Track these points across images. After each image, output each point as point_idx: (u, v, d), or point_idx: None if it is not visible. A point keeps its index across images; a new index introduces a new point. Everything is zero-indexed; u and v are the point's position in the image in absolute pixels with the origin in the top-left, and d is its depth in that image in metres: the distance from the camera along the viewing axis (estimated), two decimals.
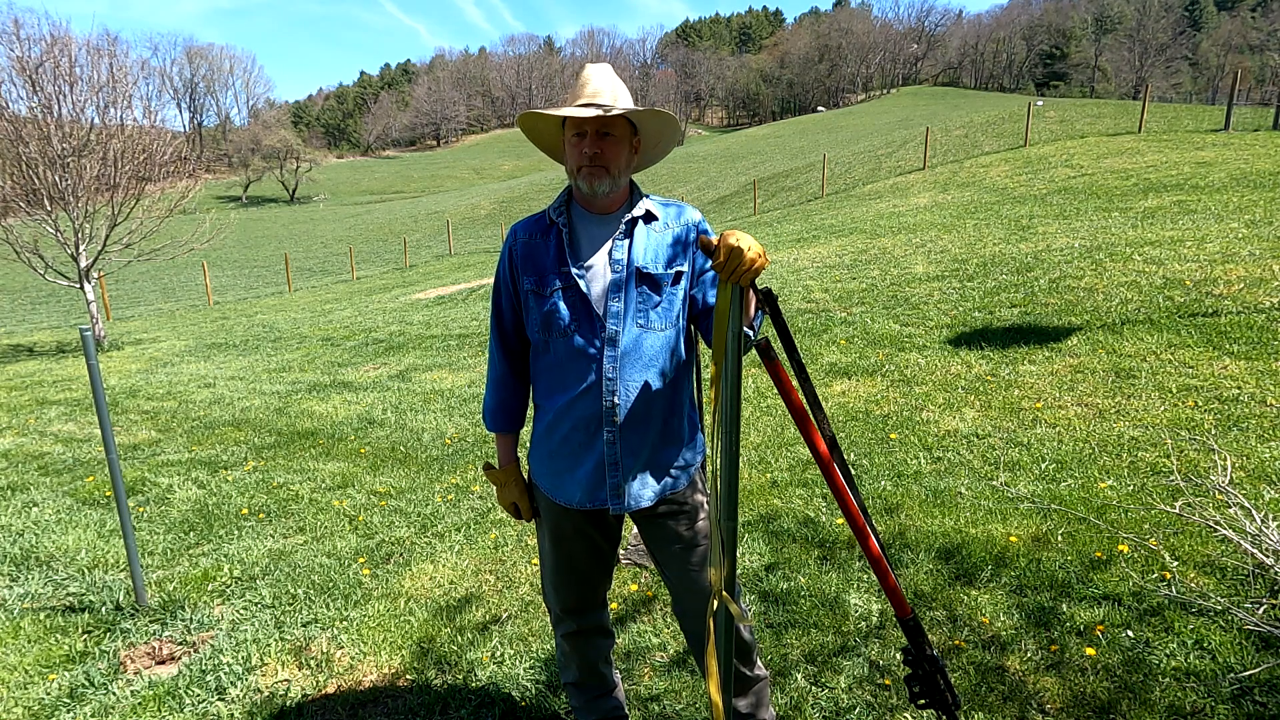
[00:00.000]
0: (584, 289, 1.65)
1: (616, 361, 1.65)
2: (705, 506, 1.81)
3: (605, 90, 1.63)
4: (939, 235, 10.09)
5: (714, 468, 1.44)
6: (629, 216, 1.68)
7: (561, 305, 1.66)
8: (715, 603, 1.51)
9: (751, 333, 1.54)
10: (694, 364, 1.82)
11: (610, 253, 1.67)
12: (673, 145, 1.81)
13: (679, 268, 1.69)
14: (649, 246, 1.68)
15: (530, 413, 1.83)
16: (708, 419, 1.95)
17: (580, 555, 1.85)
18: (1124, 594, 2.49)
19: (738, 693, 1.91)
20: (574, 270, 1.65)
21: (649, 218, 1.70)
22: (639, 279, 1.66)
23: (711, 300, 1.70)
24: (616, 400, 1.65)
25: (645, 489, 1.73)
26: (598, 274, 1.66)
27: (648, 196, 1.75)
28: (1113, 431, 3.74)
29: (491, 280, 15.10)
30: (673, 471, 1.76)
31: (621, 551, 3.17)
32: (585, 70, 1.67)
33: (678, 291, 1.70)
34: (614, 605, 2.79)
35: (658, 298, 1.67)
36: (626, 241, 1.67)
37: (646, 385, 1.67)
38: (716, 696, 1.51)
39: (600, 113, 1.56)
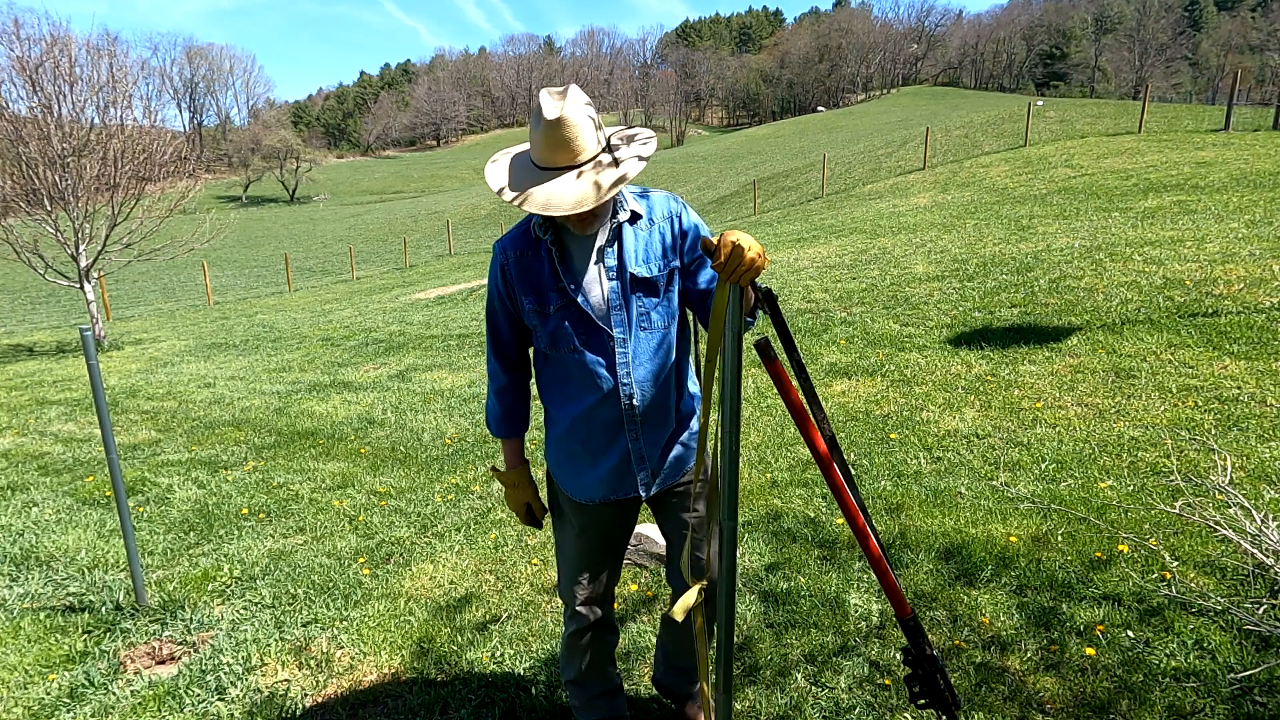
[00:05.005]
0: (584, 304, 1.64)
1: (629, 367, 1.66)
2: (708, 474, 1.81)
3: (583, 139, 1.45)
4: (939, 235, 10.09)
5: (714, 462, 1.45)
6: (615, 222, 1.64)
7: (566, 323, 1.65)
8: (696, 592, 1.53)
9: (749, 320, 1.54)
10: (688, 339, 1.83)
11: (603, 262, 1.64)
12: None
13: (672, 265, 1.68)
14: (638, 249, 1.65)
15: (538, 416, 1.83)
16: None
17: (600, 546, 1.87)
18: (1124, 594, 2.49)
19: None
20: (570, 287, 1.63)
21: (633, 217, 1.66)
22: (634, 284, 1.64)
23: (701, 285, 1.70)
24: (635, 403, 1.68)
25: (667, 469, 1.79)
26: (595, 286, 1.64)
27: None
28: (1113, 431, 3.73)
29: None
30: (688, 446, 1.81)
31: None
32: (560, 115, 1.41)
33: (674, 288, 1.70)
34: (614, 605, 2.79)
35: (656, 299, 1.67)
36: (615, 246, 1.64)
37: (658, 380, 1.69)
38: (708, 689, 1.51)
39: (592, 204, 1.44)
